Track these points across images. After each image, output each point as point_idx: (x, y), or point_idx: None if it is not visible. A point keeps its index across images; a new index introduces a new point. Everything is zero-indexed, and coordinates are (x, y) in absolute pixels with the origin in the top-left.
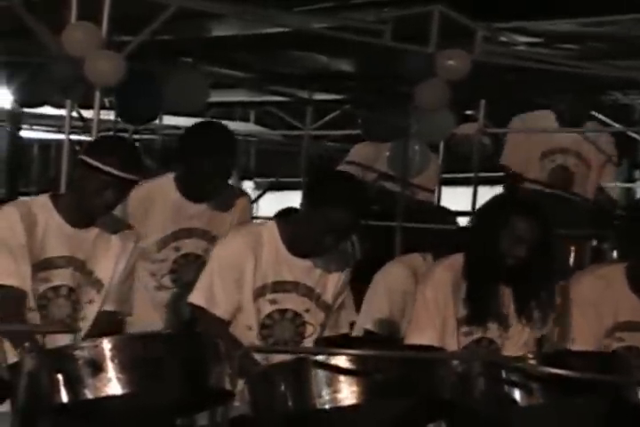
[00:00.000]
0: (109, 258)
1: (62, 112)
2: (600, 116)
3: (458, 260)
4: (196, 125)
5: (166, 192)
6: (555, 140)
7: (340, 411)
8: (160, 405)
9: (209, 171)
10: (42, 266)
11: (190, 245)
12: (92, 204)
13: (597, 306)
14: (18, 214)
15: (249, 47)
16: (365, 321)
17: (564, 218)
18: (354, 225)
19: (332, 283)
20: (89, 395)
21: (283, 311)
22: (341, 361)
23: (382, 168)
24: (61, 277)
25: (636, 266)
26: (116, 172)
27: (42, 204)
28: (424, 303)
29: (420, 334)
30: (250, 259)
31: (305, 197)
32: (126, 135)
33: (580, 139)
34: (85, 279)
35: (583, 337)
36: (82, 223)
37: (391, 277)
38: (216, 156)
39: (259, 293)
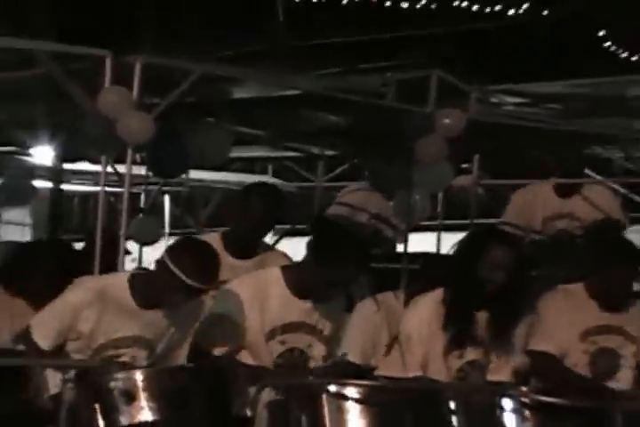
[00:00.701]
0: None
1: (98, 167)
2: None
3: (438, 293)
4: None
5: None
6: (557, 206)
7: None
8: None
9: None
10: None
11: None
12: (161, 299)
13: (564, 315)
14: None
15: (266, 108)
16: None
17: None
18: (356, 278)
19: (332, 318)
20: (124, 422)
21: (291, 350)
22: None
23: (373, 210)
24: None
25: (596, 280)
26: (187, 279)
27: (119, 283)
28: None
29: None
30: (255, 307)
31: (310, 252)
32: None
33: (584, 204)
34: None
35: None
36: (147, 306)
37: (364, 313)
38: None
39: (270, 336)
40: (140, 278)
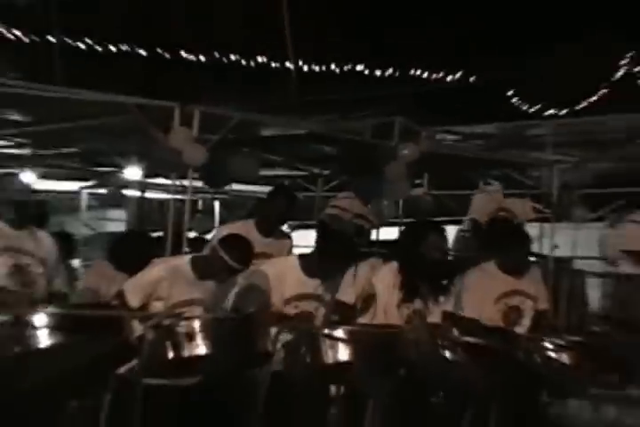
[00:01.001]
0: None
1: (169, 181)
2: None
3: (394, 264)
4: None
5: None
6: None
7: None
8: (229, 362)
9: None
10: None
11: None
12: (213, 275)
13: (482, 286)
14: (165, 270)
15: (283, 142)
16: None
17: None
18: (348, 265)
19: (333, 290)
20: (185, 355)
21: (302, 312)
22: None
23: (355, 211)
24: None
25: (503, 258)
26: (232, 263)
27: (184, 262)
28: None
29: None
30: (277, 282)
31: (317, 247)
32: (209, 195)
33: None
34: None
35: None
36: (203, 279)
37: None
38: None
39: (287, 302)
40: (199, 259)
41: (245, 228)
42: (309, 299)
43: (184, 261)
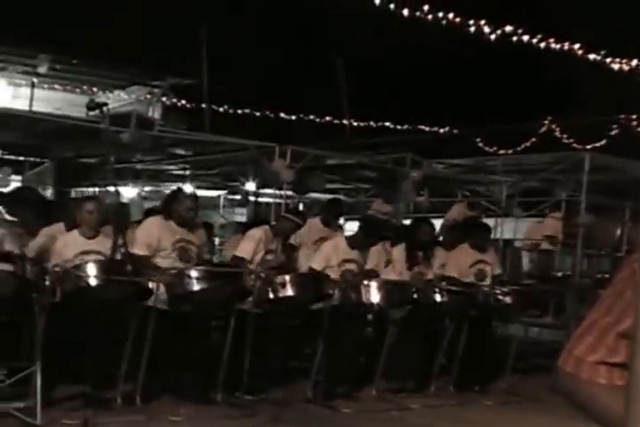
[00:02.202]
0: None
1: (272, 191)
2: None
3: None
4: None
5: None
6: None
7: None
8: (307, 300)
9: None
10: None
11: None
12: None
13: (462, 258)
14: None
15: (341, 167)
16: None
17: None
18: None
19: (369, 258)
20: (279, 295)
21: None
22: None
23: (384, 211)
24: None
25: (472, 240)
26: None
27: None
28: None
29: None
30: (333, 251)
31: (358, 232)
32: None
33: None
34: None
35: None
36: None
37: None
38: None
39: (339, 264)
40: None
41: (313, 222)
42: (351, 262)
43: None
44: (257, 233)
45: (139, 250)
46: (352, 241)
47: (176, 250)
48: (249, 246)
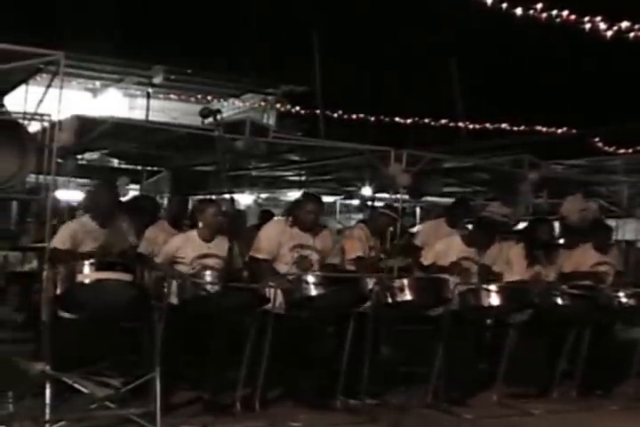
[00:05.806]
0: None
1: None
2: None
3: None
4: None
5: None
6: None
7: None
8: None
9: None
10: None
11: None
12: None
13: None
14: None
15: (457, 171)
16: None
17: None
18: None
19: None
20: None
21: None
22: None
23: (502, 212)
24: None
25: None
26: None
27: None
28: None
29: None
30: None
31: (474, 231)
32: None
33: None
34: None
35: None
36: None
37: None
38: None
39: (457, 260)
40: None
41: (437, 223)
42: (468, 260)
43: None
44: (354, 232)
45: (259, 254)
46: (468, 239)
47: (293, 257)
48: (355, 245)
